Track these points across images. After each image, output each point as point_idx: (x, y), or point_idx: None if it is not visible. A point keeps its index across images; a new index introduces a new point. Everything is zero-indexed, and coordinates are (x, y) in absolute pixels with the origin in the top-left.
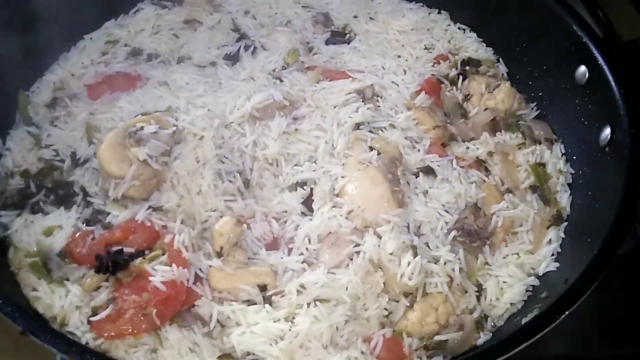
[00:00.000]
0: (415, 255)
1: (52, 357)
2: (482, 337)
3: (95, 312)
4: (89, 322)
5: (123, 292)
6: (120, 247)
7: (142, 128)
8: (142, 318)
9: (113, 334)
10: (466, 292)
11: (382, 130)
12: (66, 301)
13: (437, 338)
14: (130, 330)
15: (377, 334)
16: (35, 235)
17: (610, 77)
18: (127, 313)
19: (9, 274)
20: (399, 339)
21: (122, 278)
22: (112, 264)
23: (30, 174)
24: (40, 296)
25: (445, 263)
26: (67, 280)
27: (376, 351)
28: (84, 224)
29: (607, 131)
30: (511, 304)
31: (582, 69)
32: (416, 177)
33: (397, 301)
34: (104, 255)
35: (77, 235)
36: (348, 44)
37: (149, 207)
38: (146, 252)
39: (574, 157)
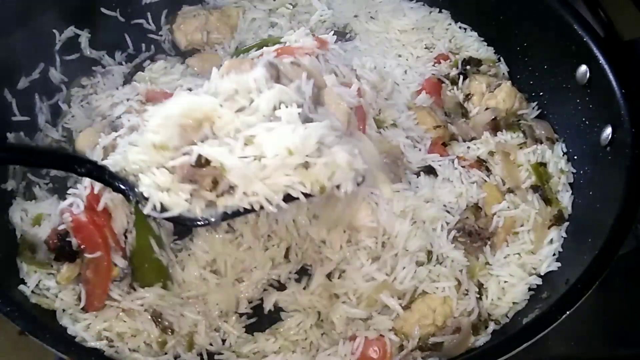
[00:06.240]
0: None
1: (51, 357)
2: (483, 337)
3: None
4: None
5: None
6: (69, 240)
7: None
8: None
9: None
10: (466, 293)
11: (383, 130)
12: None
13: (432, 340)
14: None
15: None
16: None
17: (611, 77)
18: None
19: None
20: (395, 338)
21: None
22: (58, 249)
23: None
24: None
25: (446, 265)
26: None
27: (359, 350)
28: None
29: (608, 131)
30: (514, 303)
31: (583, 68)
32: (417, 177)
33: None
34: (49, 241)
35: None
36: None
37: None
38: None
39: (575, 157)
